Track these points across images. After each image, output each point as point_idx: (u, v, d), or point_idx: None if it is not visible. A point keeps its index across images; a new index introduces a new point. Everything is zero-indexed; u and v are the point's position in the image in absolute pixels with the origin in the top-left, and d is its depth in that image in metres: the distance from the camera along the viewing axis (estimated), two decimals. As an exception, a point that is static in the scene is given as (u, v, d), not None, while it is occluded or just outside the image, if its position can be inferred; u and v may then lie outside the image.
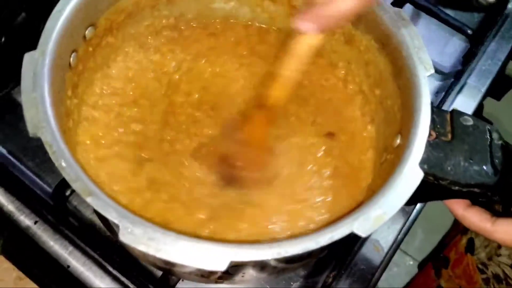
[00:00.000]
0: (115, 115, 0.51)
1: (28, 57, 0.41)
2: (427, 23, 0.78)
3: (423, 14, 0.77)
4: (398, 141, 0.45)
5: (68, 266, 0.54)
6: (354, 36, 0.52)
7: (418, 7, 0.74)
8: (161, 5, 0.54)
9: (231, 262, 0.35)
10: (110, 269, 0.55)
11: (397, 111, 0.47)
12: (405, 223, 0.63)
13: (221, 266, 0.35)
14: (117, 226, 0.35)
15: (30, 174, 0.59)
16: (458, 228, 0.84)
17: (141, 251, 0.34)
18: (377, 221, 0.38)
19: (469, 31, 0.72)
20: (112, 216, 0.35)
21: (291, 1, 0.54)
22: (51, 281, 0.54)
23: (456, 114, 0.45)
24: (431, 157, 0.43)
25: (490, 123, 0.77)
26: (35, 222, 0.56)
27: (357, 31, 0.52)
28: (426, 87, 0.44)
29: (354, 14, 0.39)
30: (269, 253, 0.35)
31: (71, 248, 0.55)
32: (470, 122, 0.45)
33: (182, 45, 0.56)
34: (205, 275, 0.47)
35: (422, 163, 0.42)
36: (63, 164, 0.37)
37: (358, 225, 0.37)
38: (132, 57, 0.54)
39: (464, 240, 0.75)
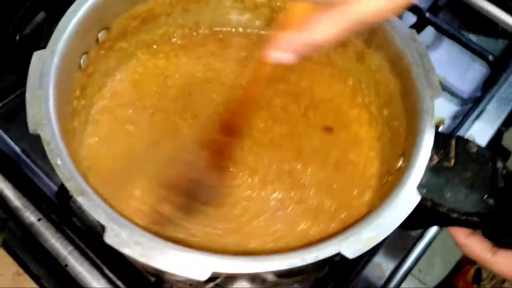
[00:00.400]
0: (121, 118, 0.51)
1: (37, 56, 0.42)
2: (449, 47, 0.77)
3: (446, 38, 0.76)
4: (400, 163, 0.44)
5: (66, 265, 0.55)
6: (366, 54, 0.52)
7: (440, 30, 0.73)
8: (176, 13, 0.55)
9: (214, 272, 0.35)
10: (107, 271, 0.55)
11: (403, 133, 0.46)
12: (411, 249, 0.62)
13: (203, 276, 0.34)
14: (104, 227, 0.35)
15: (39, 172, 0.60)
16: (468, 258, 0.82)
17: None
18: (368, 243, 0.37)
19: (491, 57, 0.71)
20: (100, 217, 0.36)
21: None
22: (49, 279, 0.55)
23: (461, 140, 0.44)
24: (431, 181, 0.42)
25: (509, 153, 0.76)
26: (39, 220, 0.56)
27: (369, 49, 0.51)
28: (432, 110, 0.43)
29: (333, 42, 0.36)
30: (253, 267, 0.35)
31: (70, 248, 0.55)
32: (474, 149, 0.44)
33: (188, 50, 0.56)
34: (195, 285, 0.47)
35: (421, 187, 0.41)
36: (59, 162, 0.37)
37: (347, 246, 0.37)
38: (143, 62, 0.55)
39: (472, 271, 0.73)
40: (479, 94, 0.73)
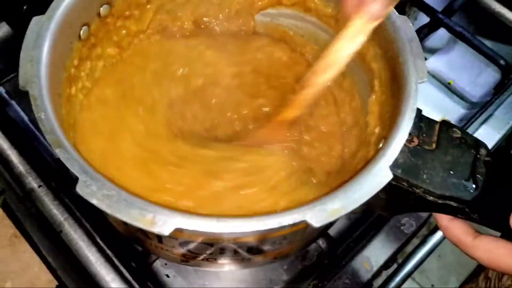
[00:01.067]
0: (119, 94, 0.53)
1: (35, 20, 0.44)
2: (462, 50, 0.76)
3: (459, 41, 0.75)
4: (381, 145, 0.44)
5: (61, 231, 0.57)
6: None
7: (453, 32, 0.72)
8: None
9: (177, 228, 0.35)
10: (98, 240, 0.57)
11: (388, 118, 0.46)
12: (402, 246, 0.61)
13: (166, 230, 0.35)
14: (77, 178, 0.37)
15: (44, 141, 0.63)
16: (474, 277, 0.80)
17: (118, 221, 0.35)
18: (333, 214, 0.37)
19: (502, 62, 0.70)
20: (74, 169, 0.37)
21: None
22: (44, 243, 0.57)
23: (445, 125, 0.44)
24: (408, 162, 0.42)
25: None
26: (39, 186, 0.59)
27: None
28: (415, 93, 0.43)
29: None
30: (214, 227, 0.36)
31: (66, 215, 0.57)
32: (458, 134, 0.43)
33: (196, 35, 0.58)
34: (175, 254, 0.48)
35: (396, 167, 0.41)
36: (42, 116, 0.39)
37: (312, 215, 0.37)
38: (148, 43, 0.57)
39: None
40: (488, 99, 0.71)
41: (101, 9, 0.50)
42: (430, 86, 0.73)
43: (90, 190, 0.36)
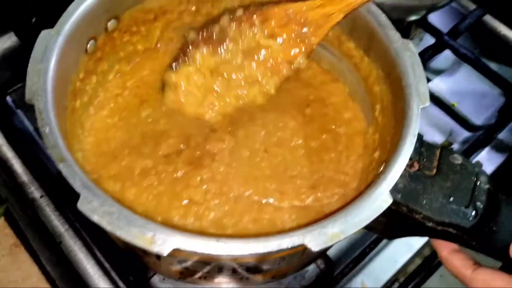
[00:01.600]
0: (123, 109, 0.54)
1: (43, 34, 0.44)
2: (467, 73, 0.76)
3: (464, 63, 0.75)
4: (382, 168, 0.44)
5: (60, 242, 0.57)
6: (364, 63, 0.52)
7: (458, 54, 0.73)
8: (188, 12, 0.57)
9: (175, 249, 0.36)
10: (97, 252, 0.57)
11: (389, 142, 0.46)
12: (403, 266, 0.61)
13: (165, 250, 0.35)
14: (79, 194, 0.37)
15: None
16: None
17: (116, 237, 0.36)
18: (332, 238, 0.37)
19: (507, 85, 0.70)
20: (76, 184, 0.37)
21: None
22: (44, 253, 0.57)
23: (446, 151, 0.44)
24: (408, 187, 0.42)
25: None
26: (41, 196, 0.59)
27: (368, 58, 0.52)
28: (417, 118, 0.43)
29: None
30: (214, 249, 0.36)
31: (66, 226, 0.58)
32: (458, 161, 0.43)
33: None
34: (173, 271, 0.48)
35: (396, 192, 0.41)
36: (47, 130, 0.40)
37: (311, 238, 0.37)
38: (151, 58, 0.57)
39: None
40: (493, 121, 0.72)
41: (108, 23, 0.51)
42: (434, 108, 0.73)
43: (91, 206, 0.37)
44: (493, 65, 0.77)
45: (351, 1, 0.47)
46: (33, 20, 0.48)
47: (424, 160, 0.43)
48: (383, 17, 0.49)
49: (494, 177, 0.66)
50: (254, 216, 0.48)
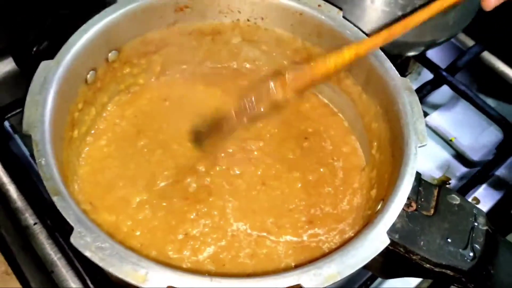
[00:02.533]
0: (121, 139, 0.54)
1: (43, 65, 0.45)
2: (465, 108, 0.76)
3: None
4: (379, 207, 0.44)
5: (52, 271, 0.56)
6: (362, 100, 0.53)
7: (456, 90, 0.73)
8: (188, 45, 0.57)
9: (169, 287, 0.35)
10: (89, 283, 0.56)
11: (386, 179, 0.46)
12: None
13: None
14: (72, 229, 0.37)
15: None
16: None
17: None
18: (329, 279, 0.37)
19: (504, 122, 0.70)
20: (69, 218, 0.37)
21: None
22: (34, 282, 0.56)
23: (444, 190, 0.44)
24: (405, 228, 0.41)
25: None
26: (35, 223, 0.58)
27: (366, 94, 0.52)
28: (414, 158, 0.43)
29: None
30: (207, 286, 0.35)
31: (59, 255, 0.57)
32: (456, 201, 0.43)
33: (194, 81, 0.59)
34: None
35: (393, 232, 0.41)
36: (43, 162, 0.40)
37: (307, 278, 0.36)
38: (149, 89, 0.57)
39: None
40: (490, 158, 0.71)
41: (109, 54, 0.51)
42: (432, 143, 0.73)
43: (84, 242, 0.36)
44: (491, 101, 0.77)
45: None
46: (34, 50, 0.48)
47: (422, 199, 0.43)
48: (381, 54, 0.50)
49: (491, 214, 0.67)
50: (252, 251, 0.48)
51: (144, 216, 0.48)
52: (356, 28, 0.52)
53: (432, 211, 0.42)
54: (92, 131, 0.53)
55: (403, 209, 0.41)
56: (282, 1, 0.54)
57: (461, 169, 0.72)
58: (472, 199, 0.67)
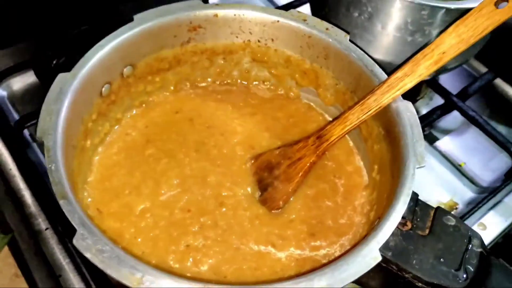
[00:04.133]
0: (132, 151, 0.56)
1: (60, 77, 0.47)
2: (476, 133, 0.76)
3: (474, 125, 0.76)
4: (376, 224, 0.45)
5: (60, 276, 0.58)
6: (366, 121, 0.54)
7: (466, 116, 0.73)
8: (201, 62, 0.60)
9: (162, 290, 0.37)
10: (94, 288, 0.58)
11: (385, 199, 0.47)
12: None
13: (150, 292, 0.36)
14: (75, 231, 0.38)
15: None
16: None
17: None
18: (319, 292, 0.38)
19: (511, 150, 0.70)
20: (74, 221, 0.39)
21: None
22: (43, 285, 0.58)
23: (440, 211, 0.44)
24: (399, 246, 0.42)
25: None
26: (46, 228, 0.61)
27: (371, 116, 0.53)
28: (412, 178, 0.44)
29: None
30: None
31: (68, 259, 0.59)
32: (452, 222, 0.44)
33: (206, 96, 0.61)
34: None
35: (387, 250, 0.41)
36: (52, 167, 0.42)
37: (298, 290, 0.37)
38: (162, 104, 0.60)
39: None
40: (499, 184, 0.71)
41: (124, 69, 0.54)
42: (441, 167, 0.74)
43: (85, 244, 0.38)
44: (502, 128, 0.78)
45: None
46: (53, 63, 0.51)
47: (418, 219, 0.44)
48: (385, 77, 0.51)
49: (498, 241, 0.67)
50: (255, 264, 0.49)
51: (146, 224, 0.50)
52: (361, 52, 0.54)
53: (427, 231, 0.43)
54: (106, 142, 0.55)
55: (398, 227, 0.42)
56: (292, 24, 0.56)
57: (470, 195, 0.71)
58: (478, 225, 0.67)
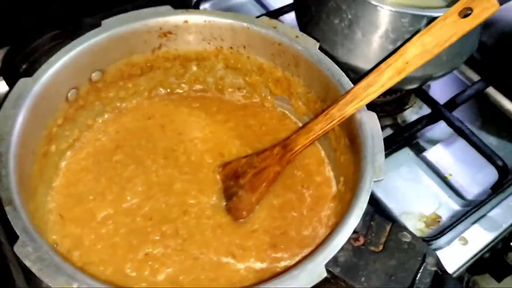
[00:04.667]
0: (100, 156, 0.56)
1: (21, 82, 0.48)
2: (464, 145, 0.74)
3: (463, 135, 0.74)
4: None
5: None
6: (335, 131, 0.53)
7: (453, 127, 0.72)
8: (174, 68, 0.60)
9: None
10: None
11: (340, 211, 0.46)
12: None
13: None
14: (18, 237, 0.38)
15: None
16: None
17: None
18: (258, 307, 0.37)
19: (500, 163, 0.68)
20: (17, 228, 0.39)
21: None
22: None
23: (396, 227, 0.43)
24: (349, 262, 0.41)
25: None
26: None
27: (339, 126, 0.52)
28: (367, 193, 0.43)
29: None
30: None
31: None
32: (407, 239, 0.42)
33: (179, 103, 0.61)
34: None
35: (335, 265, 0.40)
36: (3, 173, 0.42)
37: (236, 304, 0.37)
38: (132, 110, 0.59)
39: None
40: (485, 197, 0.69)
41: (93, 74, 0.54)
42: (427, 178, 0.72)
43: (26, 251, 0.38)
44: (493, 139, 0.75)
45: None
46: (23, 67, 0.51)
47: (373, 235, 0.42)
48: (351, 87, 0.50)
49: (480, 255, 0.65)
50: (213, 274, 0.48)
51: (106, 231, 0.49)
52: (329, 60, 0.53)
53: (380, 247, 0.42)
54: (75, 147, 0.55)
55: (350, 243, 0.41)
56: (262, 31, 0.55)
57: (454, 207, 0.69)
58: (459, 239, 0.65)
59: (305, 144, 0.51)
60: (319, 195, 0.54)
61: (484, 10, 0.44)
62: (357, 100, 0.48)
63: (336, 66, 0.52)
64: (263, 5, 0.90)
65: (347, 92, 0.49)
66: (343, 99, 0.48)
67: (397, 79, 0.48)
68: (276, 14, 0.83)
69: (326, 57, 0.53)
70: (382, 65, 0.48)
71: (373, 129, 0.47)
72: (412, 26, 0.59)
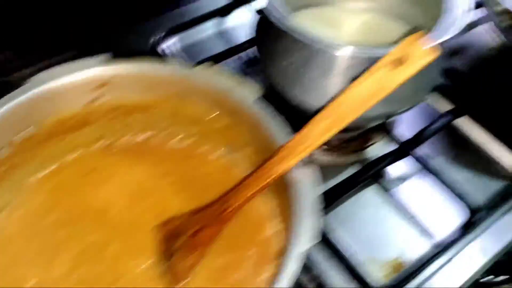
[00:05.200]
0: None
1: None
2: (432, 183, 0.71)
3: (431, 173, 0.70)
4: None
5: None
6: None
7: (420, 163, 0.69)
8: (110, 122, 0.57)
9: None
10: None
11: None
12: None
13: None
14: None
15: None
16: None
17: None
18: None
19: (469, 201, 0.65)
20: None
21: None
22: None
23: None
24: None
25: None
26: None
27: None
28: (295, 262, 0.40)
29: None
30: None
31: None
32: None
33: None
34: None
35: None
36: None
37: None
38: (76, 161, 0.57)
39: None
40: (454, 238, 0.66)
41: (22, 133, 0.52)
42: (393, 218, 0.68)
43: None
44: (467, 173, 0.72)
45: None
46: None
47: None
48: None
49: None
50: None
51: None
52: (270, 110, 0.50)
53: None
54: (5, 209, 0.53)
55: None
56: (201, 80, 0.53)
57: (422, 249, 0.66)
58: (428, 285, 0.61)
59: (242, 202, 0.48)
60: (263, 253, 0.51)
61: (419, 59, 0.42)
62: (291, 156, 0.45)
63: (277, 117, 0.50)
64: (227, 40, 0.88)
65: (281, 147, 0.46)
66: (277, 155, 0.45)
67: (335, 130, 0.45)
68: (239, 49, 0.82)
69: (267, 107, 0.50)
70: (317, 117, 0.45)
71: (307, 188, 0.44)
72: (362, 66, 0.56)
